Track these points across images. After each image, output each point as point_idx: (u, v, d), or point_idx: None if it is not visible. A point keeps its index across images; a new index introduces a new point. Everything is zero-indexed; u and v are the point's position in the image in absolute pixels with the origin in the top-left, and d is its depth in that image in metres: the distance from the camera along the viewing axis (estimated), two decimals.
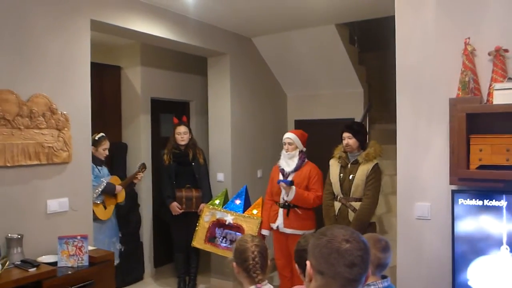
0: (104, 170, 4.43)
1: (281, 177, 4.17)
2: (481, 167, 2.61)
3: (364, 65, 6.10)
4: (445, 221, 2.92)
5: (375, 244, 2.24)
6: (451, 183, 2.76)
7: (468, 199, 2.70)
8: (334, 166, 3.97)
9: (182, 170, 4.79)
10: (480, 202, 2.67)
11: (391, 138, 5.39)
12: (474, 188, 2.73)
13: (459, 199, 2.72)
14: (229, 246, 4.31)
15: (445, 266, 2.91)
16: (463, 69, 2.75)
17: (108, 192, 4.29)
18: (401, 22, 3.13)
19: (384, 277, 2.27)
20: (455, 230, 2.76)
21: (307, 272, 1.31)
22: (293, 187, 4.02)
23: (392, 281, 2.33)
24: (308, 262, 1.32)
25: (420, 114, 3.05)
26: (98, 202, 4.19)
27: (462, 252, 2.74)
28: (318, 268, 1.27)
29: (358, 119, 5.46)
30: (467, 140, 2.64)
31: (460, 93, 2.71)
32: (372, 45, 6.62)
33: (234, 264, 2.23)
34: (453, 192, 2.77)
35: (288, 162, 4.17)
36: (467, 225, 2.72)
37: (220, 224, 4.44)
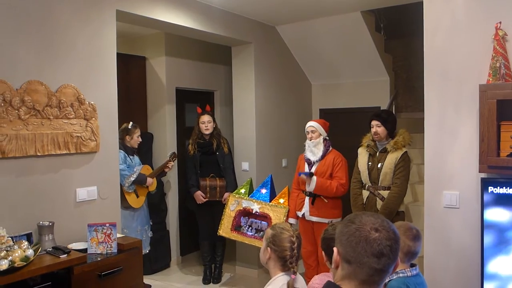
0: (136, 159, 4.52)
1: (307, 167, 4.17)
2: None
3: (390, 53, 5.99)
4: (474, 210, 2.87)
5: (406, 232, 2.23)
6: (480, 171, 2.71)
7: (498, 187, 2.65)
8: (363, 155, 3.94)
9: (207, 160, 4.83)
10: (510, 190, 2.61)
11: (417, 126, 5.32)
12: (505, 176, 2.68)
13: (489, 187, 2.67)
14: (256, 234, 4.34)
15: (474, 256, 2.87)
16: (493, 54, 2.68)
17: (139, 182, 4.37)
18: (429, 7, 3.06)
19: (413, 265, 2.25)
20: (484, 218, 2.71)
21: (334, 258, 1.30)
22: (314, 177, 4.01)
23: (420, 271, 2.31)
24: (335, 249, 1.30)
25: (449, 101, 2.99)
26: (130, 191, 4.27)
27: (491, 242, 2.69)
28: (345, 256, 1.25)
29: (384, 107, 5.38)
30: (498, 127, 2.58)
31: (491, 79, 2.65)
32: (398, 32, 6.50)
33: (269, 249, 2.21)
34: (483, 180, 2.72)
35: (313, 150, 4.16)
36: (496, 214, 2.67)
37: (245, 212, 4.46)
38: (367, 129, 3.96)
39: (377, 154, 3.84)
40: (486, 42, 2.79)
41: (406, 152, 3.75)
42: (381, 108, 5.31)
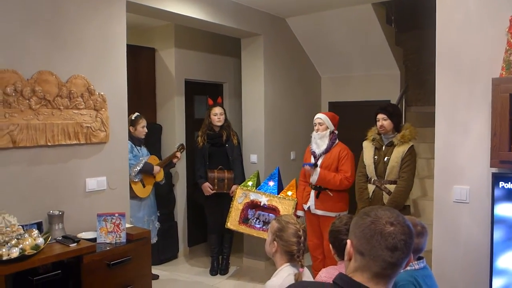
0: (143, 150, 4.53)
1: (312, 160, 4.16)
2: None
3: (401, 46, 5.94)
4: (484, 205, 2.85)
5: None
6: (492, 166, 2.68)
7: (510, 182, 2.62)
8: (368, 148, 3.92)
9: (216, 151, 4.83)
10: None
11: (427, 120, 5.29)
12: None
13: (500, 182, 2.65)
14: (263, 227, 4.34)
15: (483, 251, 2.85)
16: (507, 47, 2.65)
17: (146, 171, 4.38)
18: (442, 0, 3.03)
19: (420, 258, 2.24)
20: (495, 214, 2.69)
21: (347, 250, 1.30)
22: (317, 169, 4.00)
23: (427, 264, 2.30)
24: (348, 241, 1.30)
25: (460, 95, 2.96)
26: (136, 180, 4.29)
27: (501, 237, 2.67)
28: (359, 249, 1.25)
29: (394, 101, 5.34)
30: (510, 121, 2.55)
31: (504, 72, 2.62)
32: (409, 25, 6.44)
33: (275, 243, 2.21)
34: (494, 174, 2.69)
35: (318, 143, 4.15)
36: (507, 209, 2.65)
37: (253, 205, 4.47)
38: (374, 123, 3.93)
39: (383, 147, 3.82)
40: (499, 35, 2.75)
41: (412, 146, 3.73)
42: (391, 102, 5.29)
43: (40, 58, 2.89)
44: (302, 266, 2.16)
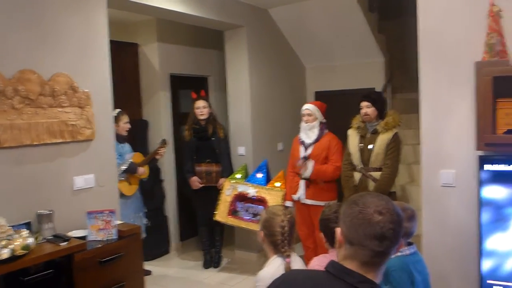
0: (126, 147, 4.50)
1: (302, 150, 4.17)
2: (509, 131, 2.56)
3: (384, 33, 5.96)
4: (471, 188, 2.89)
5: None
6: (477, 149, 2.72)
7: (495, 165, 2.66)
8: (353, 136, 3.93)
9: (203, 145, 4.82)
10: (507, 168, 2.63)
11: (412, 107, 5.32)
12: (501, 154, 2.69)
13: (485, 165, 2.68)
14: (253, 218, 4.35)
15: (471, 233, 2.90)
16: (488, 31, 2.68)
17: (131, 171, 4.37)
18: None
19: (410, 243, 2.27)
20: (481, 196, 2.73)
21: (337, 238, 1.31)
22: (311, 164, 4.02)
23: (417, 249, 2.33)
24: (338, 229, 1.31)
25: (444, 79, 2.99)
26: (122, 178, 4.27)
27: (489, 219, 2.71)
28: (348, 237, 1.26)
29: (379, 89, 5.38)
30: (494, 104, 2.58)
31: (486, 56, 2.64)
32: (392, 12, 6.46)
33: (262, 233, 2.25)
34: (480, 157, 2.73)
35: (308, 133, 4.16)
36: (493, 191, 2.69)
37: (241, 197, 4.47)
38: (358, 111, 3.94)
39: (368, 135, 3.84)
40: (480, 18, 2.77)
41: (397, 133, 3.76)
42: (376, 89, 5.31)
43: (21, 56, 2.84)
44: (288, 256, 2.17)
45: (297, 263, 2.23)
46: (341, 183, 4.02)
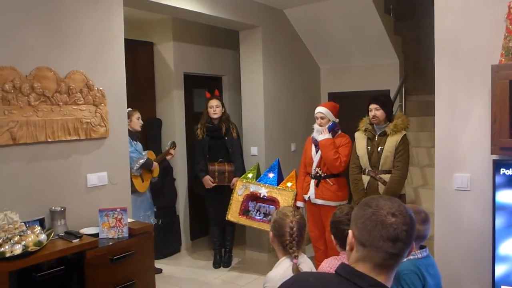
0: (139, 145, 4.53)
1: (314, 149, 4.15)
2: None
3: (400, 35, 5.92)
4: (486, 192, 2.85)
5: (415, 216, 2.21)
6: (492, 153, 2.68)
7: (511, 169, 2.62)
8: (361, 139, 3.90)
9: (215, 144, 4.82)
10: None
11: (427, 109, 5.28)
12: None
13: (501, 169, 2.65)
14: (264, 218, 4.35)
15: (485, 238, 2.86)
16: (506, 34, 2.64)
17: (146, 167, 4.40)
18: None
19: (422, 247, 2.24)
20: (496, 200, 2.69)
21: (349, 241, 1.30)
22: (328, 134, 4.03)
23: (429, 253, 2.30)
24: (350, 231, 1.30)
25: (460, 82, 2.95)
26: (137, 174, 4.30)
27: (503, 224, 2.67)
28: (360, 240, 1.25)
29: (393, 91, 5.34)
30: (510, 108, 2.54)
31: (503, 59, 2.61)
32: (408, 14, 6.41)
33: (271, 234, 2.26)
34: (495, 161, 2.69)
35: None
36: (508, 196, 2.65)
37: (253, 197, 4.47)
38: (366, 113, 3.91)
39: (376, 137, 3.81)
40: (498, 21, 2.74)
41: (405, 135, 3.73)
42: (391, 91, 5.28)
43: (38, 54, 2.88)
44: (296, 257, 2.17)
45: (306, 264, 2.23)
46: (349, 186, 3.99)
